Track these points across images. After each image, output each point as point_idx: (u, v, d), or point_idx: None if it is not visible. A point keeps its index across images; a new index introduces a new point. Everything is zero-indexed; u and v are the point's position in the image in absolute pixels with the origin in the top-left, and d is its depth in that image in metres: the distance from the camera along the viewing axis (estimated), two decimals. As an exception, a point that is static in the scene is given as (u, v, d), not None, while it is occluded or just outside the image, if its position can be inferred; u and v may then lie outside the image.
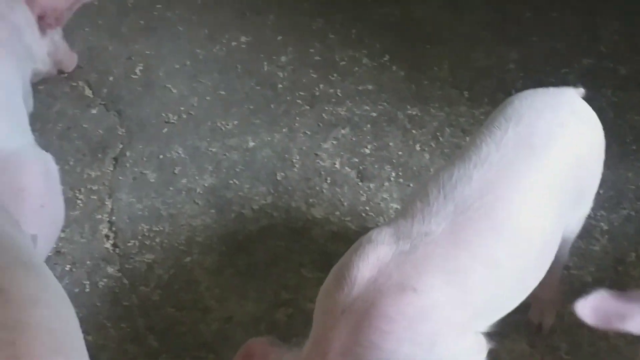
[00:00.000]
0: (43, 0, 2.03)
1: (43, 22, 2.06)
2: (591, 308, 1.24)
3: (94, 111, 2.10)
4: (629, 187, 1.87)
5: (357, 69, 2.18)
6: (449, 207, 1.35)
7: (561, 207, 1.44)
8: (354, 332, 1.27)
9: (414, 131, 2.01)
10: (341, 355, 1.29)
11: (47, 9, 2.03)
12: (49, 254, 1.81)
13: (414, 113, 2.06)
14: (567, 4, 2.38)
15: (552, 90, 1.57)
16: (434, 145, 1.95)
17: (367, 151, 2.00)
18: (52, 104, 2.14)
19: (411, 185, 1.89)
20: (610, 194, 1.82)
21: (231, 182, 1.95)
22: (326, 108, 2.09)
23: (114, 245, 1.84)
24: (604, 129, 1.50)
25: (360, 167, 1.96)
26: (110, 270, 1.79)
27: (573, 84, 2.18)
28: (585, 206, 1.60)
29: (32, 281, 1.28)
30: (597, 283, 1.73)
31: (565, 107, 1.50)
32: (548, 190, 1.41)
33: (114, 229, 1.88)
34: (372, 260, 1.31)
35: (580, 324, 1.25)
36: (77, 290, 1.77)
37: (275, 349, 1.45)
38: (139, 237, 1.85)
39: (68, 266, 1.81)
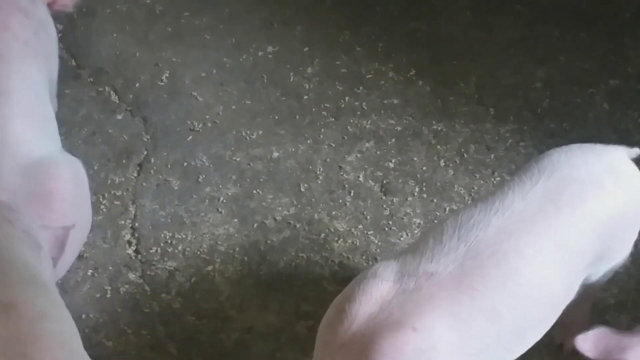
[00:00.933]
0: None
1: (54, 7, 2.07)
2: (592, 342, 1.28)
3: (119, 117, 2.12)
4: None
5: (382, 82, 2.18)
6: (460, 250, 1.34)
7: (577, 269, 1.44)
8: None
9: (438, 146, 2.02)
10: None
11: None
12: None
13: (439, 128, 2.07)
14: (595, 24, 2.38)
15: (598, 147, 1.54)
16: (458, 162, 1.96)
17: (392, 165, 2.01)
18: (77, 108, 2.16)
19: (435, 200, 1.89)
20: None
21: (254, 191, 1.97)
22: (351, 121, 2.11)
23: (136, 251, 1.86)
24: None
25: (384, 181, 1.97)
26: (131, 276, 1.81)
27: (600, 104, 2.17)
28: (614, 262, 1.59)
29: (41, 297, 1.38)
30: (619, 305, 1.74)
31: (604, 166, 1.48)
32: (566, 252, 1.40)
33: (136, 235, 1.90)
34: (374, 296, 1.31)
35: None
36: (98, 295, 1.80)
37: None
38: (161, 244, 1.87)
39: (90, 271, 1.83)
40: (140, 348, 1.72)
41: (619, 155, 1.51)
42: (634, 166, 1.50)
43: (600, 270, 1.57)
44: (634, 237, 1.54)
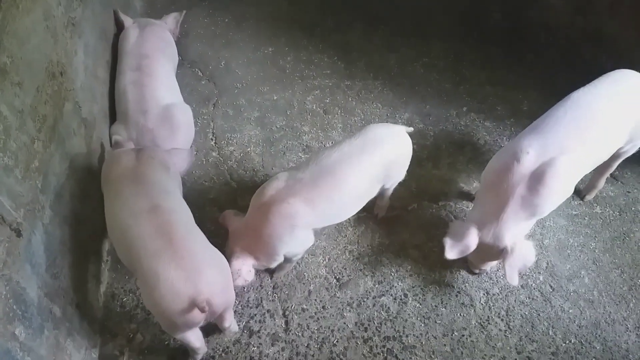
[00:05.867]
0: (167, 27, 3.05)
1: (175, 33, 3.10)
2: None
3: (202, 82, 3.24)
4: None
5: (326, 64, 3.45)
6: (315, 167, 2.07)
7: (373, 181, 2.18)
8: (263, 218, 2.01)
9: (347, 93, 3.26)
10: (253, 231, 2.03)
11: (170, 31, 3.06)
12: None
13: (348, 83, 3.28)
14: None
15: (390, 124, 2.28)
16: (355, 104, 3.22)
17: (327, 101, 3.21)
18: (183, 79, 3.11)
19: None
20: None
21: (266, 115, 3.07)
22: (309, 82, 3.26)
23: (215, 143, 2.87)
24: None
25: (324, 107, 3.18)
26: (213, 154, 2.82)
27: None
28: (393, 181, 2.33)
29: (170, 200, 1.92)
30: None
31: (390, 132, 2.21)
32: (367, 171, 2.12)
33: (214, 135, 2.93)
34: (274, 185, 2.07)
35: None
36: (198, 168, 2.79)
37: (237, 217, 2.18)
38: (225, 139, 2.90)
39: (195, 152, 2.77)
40: (227, 193, 2.62)
41: (399, 128, 2.26)
42: (406, 136, 2.26)
43: (387, 185, 2.33)
44: (403, 170, 2.33)
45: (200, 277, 1.71)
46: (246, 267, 2.08)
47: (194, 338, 1.92)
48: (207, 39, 3.55)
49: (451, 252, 2.09)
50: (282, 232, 2.03)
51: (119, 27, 3.00)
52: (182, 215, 1.87)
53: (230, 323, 2.05)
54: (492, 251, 2.14)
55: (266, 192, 2.06)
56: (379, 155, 2.14)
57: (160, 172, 2.04)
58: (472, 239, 2.10)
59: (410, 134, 2.30)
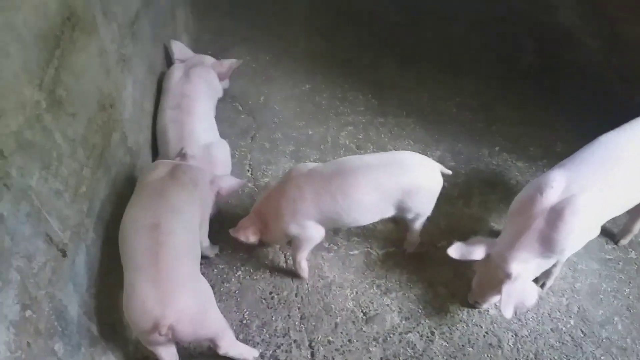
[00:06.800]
0: (217, 69, 3.12)
1: (221, 77, 3.16)
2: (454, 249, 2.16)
3: (242, 116, 3.39)
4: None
5: (358, 99, 3.60)
6: (334, 167, 2.22)
7: (385, 201, 2.23)
8: (278, 195, 2.21)
9: (379, 129, 3.37)
10: (269, 202, 2.23)
11: (221, 74, 3.16)
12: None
13: (380, 120, 3.43)
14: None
15: (424, 156, 2.34)
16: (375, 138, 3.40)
17: (360, 137, 3.31)
18: (224, 114, 3.30)
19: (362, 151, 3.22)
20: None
21: (301, 148, 3.19)
22: (343, 118, 3.41)
23: (251, 174, 2.96)
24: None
25: (356, 142, 3.35)
26: (249, 185, 2.91)
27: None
28: (414, 213, 2.37)
29: (174, 221, 1.94)
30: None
31: (422, 162, 2.29)
32: (379, 187, 2.19)
33: (251, 167, 3.04)
34: (299, 168, 2.27)
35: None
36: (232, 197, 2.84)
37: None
38: (261, 171, 3.00)
39: None
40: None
41: (432, 162, 2.32)
42: (437, 171, 2.30)
43: (409, 214, 2.37)
44: (427, 204, 2.36)
45: (171, 301, 1.75)
46: (253, 229, 2.25)
47: (165, 354, 1.93)
48: (248, 76, 3.71)
49: (454, 251, 2.13)
50: (286, 213, 2.18)
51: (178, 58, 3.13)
52: (180, 239, 1.91)
53: (226, 351, 2.07)
54: (496, 277, 2.13)
55: (290, 173, 2.25)
56: (399, 177, 2.19)
57: (183, 190, 2.08)
58: (480, 249, 2.14)
59: (442, 172, 2.35)
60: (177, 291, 1.78)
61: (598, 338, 2.42)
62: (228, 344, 2.07)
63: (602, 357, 2.37)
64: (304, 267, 2.46)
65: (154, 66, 3.00)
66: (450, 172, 2.35)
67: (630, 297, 2.59)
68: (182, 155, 2.37)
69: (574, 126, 3.36)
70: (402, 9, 4.41)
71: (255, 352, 2.21)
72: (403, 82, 3.71)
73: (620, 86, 3.27)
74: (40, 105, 1.53)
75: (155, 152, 2.76)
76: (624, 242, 2.74)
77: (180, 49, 3.14)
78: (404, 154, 2.30)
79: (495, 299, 2.31)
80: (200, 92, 2.87)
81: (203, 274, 2.35)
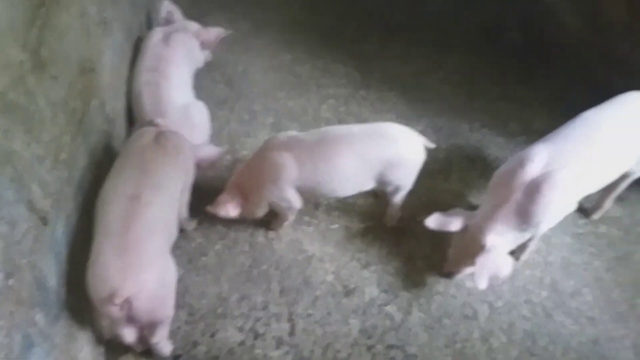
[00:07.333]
0: (202, 37, 3.06)
1: (205, 45, 3.09)
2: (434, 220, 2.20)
3: (220, 86, 3.34)
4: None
5: (342, 71, 3.55)
6: (319, 134, 2.24)
7: (367, 173, 2.25)
8: (258, 163, 2.21)
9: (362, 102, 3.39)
10: (248, 172, 2.21)
11: (205, 42, 3.08)
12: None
13: (362, 94, 3.41)
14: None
15: (409, 129, 2.33)
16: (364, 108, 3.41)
17: (342, 109, 3.32)
18: (202, 82, 3.22)
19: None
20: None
21: (281, 121, 3.16)
22: (324, 90, 3.36)
23: (229, 138, 2.97)
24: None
25: (339, 116, 3.33)
26: (227, 157, 2.87)
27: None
28: (395, 185, 2.39)
29: (155, 194, 1.93)
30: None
31: (405, 135, 2.29)
32: (361, 156, 2.20)
33: (230, 133, 3.01)
34: (279, 137, 2.26)
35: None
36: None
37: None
38: (240, 139, 2.98)
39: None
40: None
41: (416, 136, 2.33)
42: (420, 145, 2.31)
43: (389, 187, 2.40)
44: (408, 177, 2.38)
45: (133, 274, 1.71)
46: (233, 204, 2.23)
47: (126, 332, 1.91)
48: (227, 44, 3.56)
49: (432, 221, 2.18)
50: (267, 179, 2.18)
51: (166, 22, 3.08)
52: (157, 213, 1.88)
53: (159, 340, 2.00)
54: (472, 246, 2.16)
55: (270, 141, 2.25)
56: (383, 148, 2.20)
57: (168, 161, 2.06)
58: (458, 220, 2.18)
59: (425, 146, 2.36)
60: (142, 265, 1.74)
61: (568, 309, 2.50)
62: (164, 334, 2.03)
63: (572, 327, 2.45)
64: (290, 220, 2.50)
65: (132, 31, 2.92)
66: (433, 145, 2.36)
67: (600, 270, 2.67)
68: (153, 125, 2.30)
69: (554, 104, 3.40)
70: (386, -20, 4.37)
71: (170, 347, 2.15)
72: (386, 55, 3.69)
73: (600, 66, 3.31)
74: (24, 66, 1.48)
75: (130, 121, 2.70)
76: (595, 217, 2.82)
77: (170, 10, 3.06)
78: (388, 125, 2.30)
79: (469, 270, 2.33)
80: (178, 56, 2.82)
81: (180, 247, 2.44)
